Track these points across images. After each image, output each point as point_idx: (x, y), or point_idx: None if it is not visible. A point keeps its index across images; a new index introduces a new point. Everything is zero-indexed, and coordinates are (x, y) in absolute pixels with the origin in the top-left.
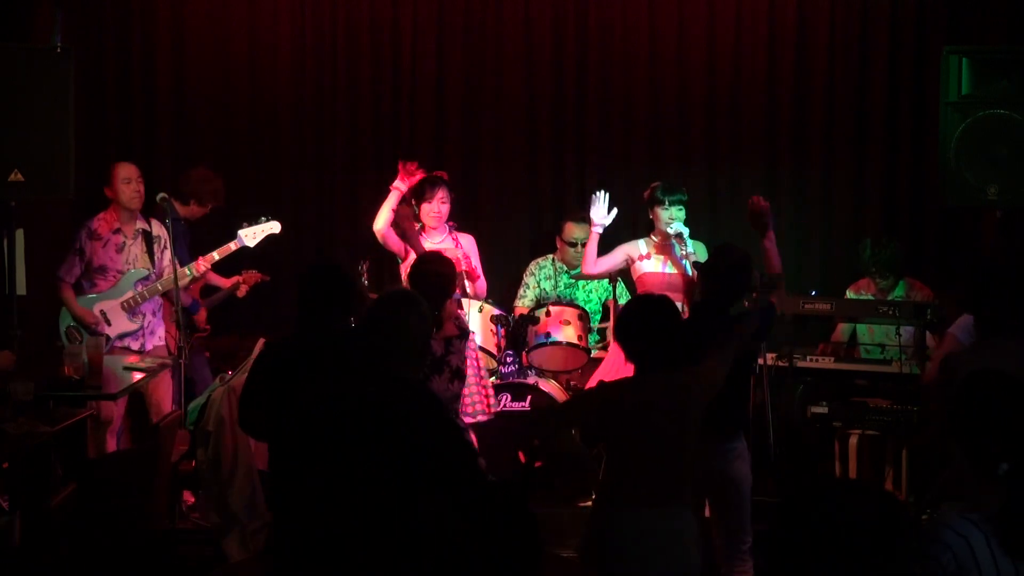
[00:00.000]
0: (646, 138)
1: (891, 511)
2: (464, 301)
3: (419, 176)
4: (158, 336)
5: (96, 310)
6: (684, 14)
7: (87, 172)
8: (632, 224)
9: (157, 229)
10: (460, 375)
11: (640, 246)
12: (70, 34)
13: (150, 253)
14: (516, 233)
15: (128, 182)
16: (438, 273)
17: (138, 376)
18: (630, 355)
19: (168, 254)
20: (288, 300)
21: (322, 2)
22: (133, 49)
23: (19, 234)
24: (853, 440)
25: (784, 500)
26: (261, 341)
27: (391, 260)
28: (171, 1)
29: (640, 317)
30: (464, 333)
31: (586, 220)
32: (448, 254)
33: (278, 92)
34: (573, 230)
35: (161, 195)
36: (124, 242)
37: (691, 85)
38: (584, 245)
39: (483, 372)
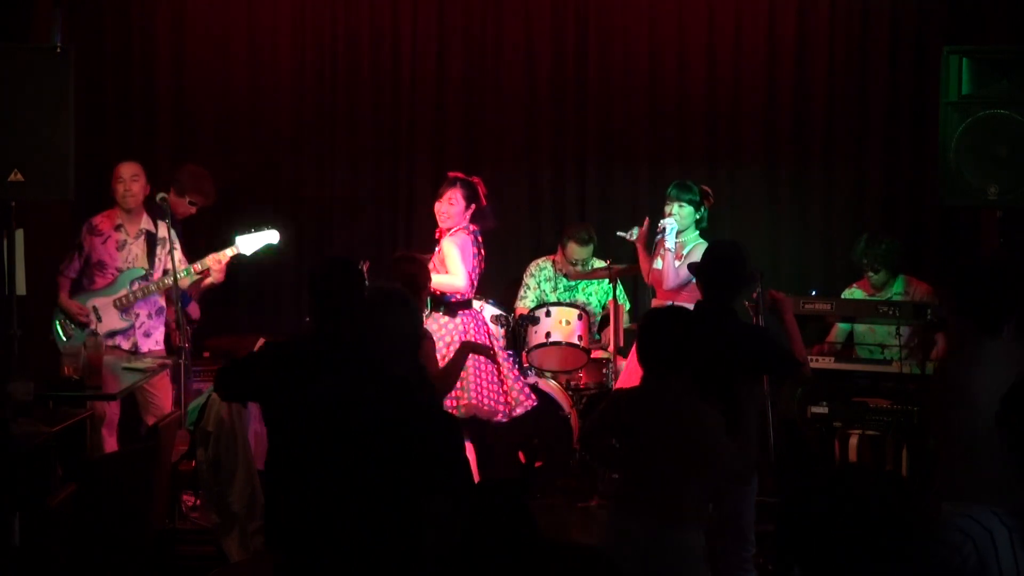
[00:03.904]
0: (646, 138)
1: (902, 494)
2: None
3: None
4: (154, 339)
5: (89, 305)
6: (684, 15)
7: (87, 172)
8: (632, 225)
9: (163, 231)
10: None
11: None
12: (70, 34)
13: (151, 254)
14: (516, 233)
15: (121, 181)
16: (407, 273)
17: (138, 376)
18: (643, 361)
19: (176, 255)
20: (288, 300)
21: (322, 2)
22: (133, 49)
23: (19, 234)
24: (853, 440)
25: (793, 491)
26: (261, 341)
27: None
28: (171, 1)
29: (656, 326)
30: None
31: (588, 242)
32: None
33: (278, 92)
34: (575, 251)
35: (160, 195)
36: (125, 240)
37: (691, 85)
38: (584, 264)
39: (503, 373)
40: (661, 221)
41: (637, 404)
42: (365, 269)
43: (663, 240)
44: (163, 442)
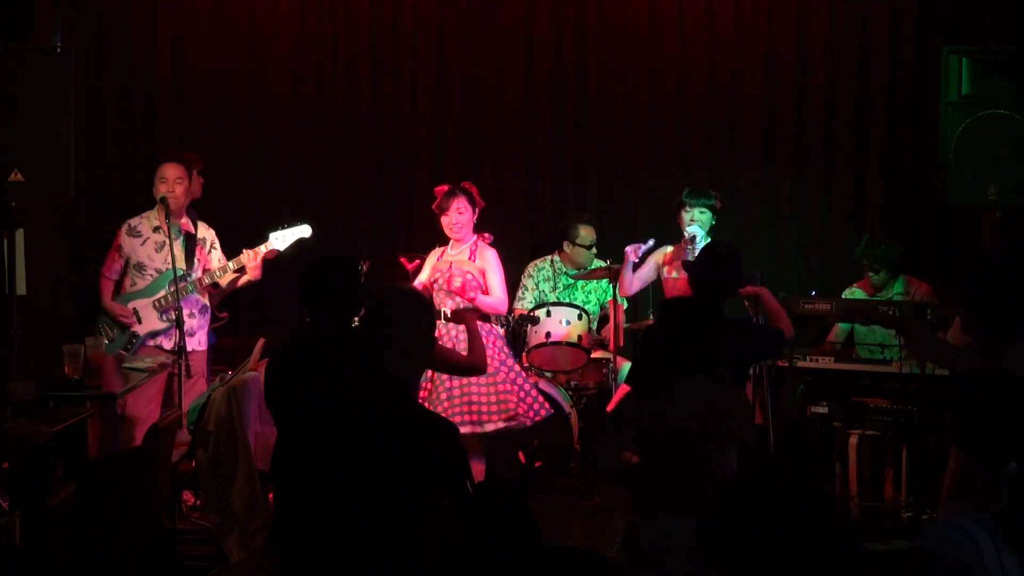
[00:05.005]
0: (646, 138)
1: (819, 502)
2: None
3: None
4: (197, 339)
5: (131, 307)
6: (684, 14)
7: (87, 172)
8: (632, 225)
9: (203, 231)
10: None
11: (666, 252)
12: (70, 34)
13: (190, 255)
14: (516, 235)
15: (164, 182)
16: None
17: (139, 376)
18: (668, 354)
19: (215, 256)
20: (288, 299)
21: (322, 2)
22: (133, 49)
23: (19, 234)
24: (853, 440)
25: (719, 491)
26: (261, 341)
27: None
28: (171, 1)
29: (674, 318)
30: None
31: (592, 222)
32: (461, 267)
33: (278, 92)
34: (586, 232)
35: (161, 196)
36: (164, 241)
37: (691, 85)
38: (595, 246)
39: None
40: (688, 230)
41: (664, 402)
42: (364, 269)
43: (692, 254)
44: (163, 442)
